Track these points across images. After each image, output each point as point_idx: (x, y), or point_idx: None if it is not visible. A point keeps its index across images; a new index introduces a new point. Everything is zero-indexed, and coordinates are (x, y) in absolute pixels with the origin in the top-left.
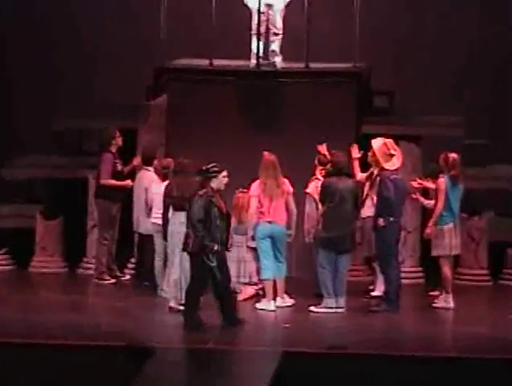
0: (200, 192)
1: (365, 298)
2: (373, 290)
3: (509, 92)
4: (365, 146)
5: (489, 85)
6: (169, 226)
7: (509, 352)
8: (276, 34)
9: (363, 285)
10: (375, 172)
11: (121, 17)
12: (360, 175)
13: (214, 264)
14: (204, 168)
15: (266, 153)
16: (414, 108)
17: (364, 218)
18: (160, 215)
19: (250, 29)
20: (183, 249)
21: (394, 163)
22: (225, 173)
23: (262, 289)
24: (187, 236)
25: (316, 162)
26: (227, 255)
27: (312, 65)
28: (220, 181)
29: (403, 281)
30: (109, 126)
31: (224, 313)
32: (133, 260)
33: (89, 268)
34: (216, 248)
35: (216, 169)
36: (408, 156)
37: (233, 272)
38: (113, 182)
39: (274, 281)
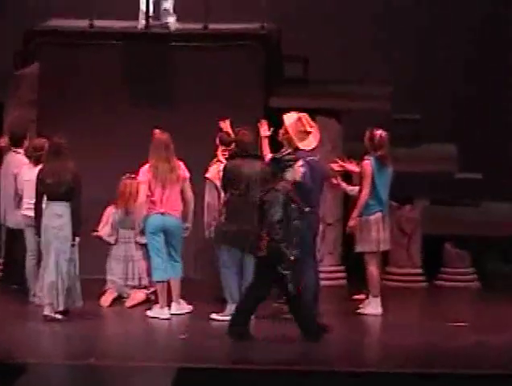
0: (278, 186)
1: (277, 303)
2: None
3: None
4: (276, 123)
5: (417, 48)
6: (43, 219)
7: (445, 365)
8: None
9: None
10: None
11: None
12: (270, 157)
13: (288, 272)
14: (277, 156)
15: (157, 131)
16: (334, 77)
17: None
18: (32, 206)
19: None
20: (254, 253)
21: (310, 142)
22: (300, 162)
23: (154, 293)
24: (260, 238)
25: (218, 141)
26: (113, 252)
27: (212, 26)
28: (296, 171)
29: (322, 282)
30: None
31: (301, 326)
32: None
33: None
34: (293, 257)
35: (291, 157)
36: (327, 133)
37: (118, 273)
38: None
39: (168, 284)
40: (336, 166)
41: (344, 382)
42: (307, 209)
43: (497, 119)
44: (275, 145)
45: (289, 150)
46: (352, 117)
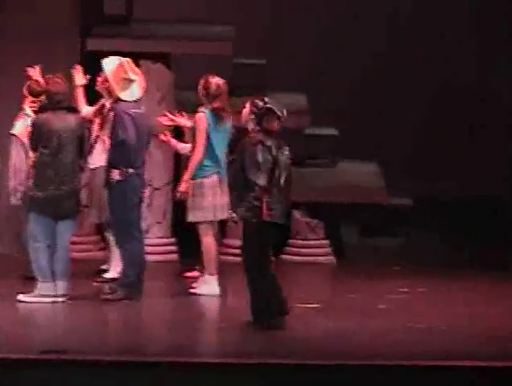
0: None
1: (96, 282)
2: (106, 271)
3: None
4: (94, 69)
5: None
6: None
7: (290, 356)
8: None
9: (93, 263)
10: (107, 104)
11: None
12: (86, 109)
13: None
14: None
15: None
16: (163, 15)
17: (93, 169)
18: None
19: None
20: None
21: (133, 92)
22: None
23: None
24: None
25: (26, 91)
26: None
27: None
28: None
29: (149, 257)
30: None
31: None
32: None
33: None
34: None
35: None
36: (154, 82)
37: None
38: None
39: None
40: (165, 120)
41: (171, 373)
42: (130, 171)
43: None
44: (93, 95)
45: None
46: (184, 62)
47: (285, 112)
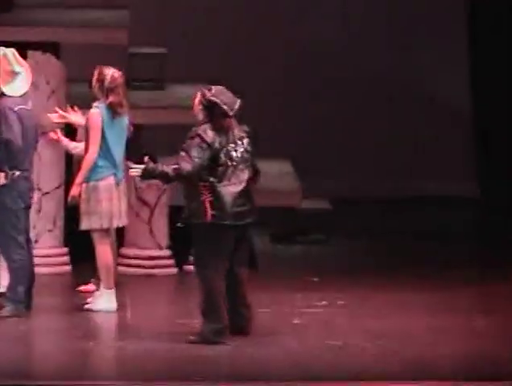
0: None
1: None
2: None
3: None
4: None
5: None
6: None
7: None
8: None
9: None
10: None
11: None
12: None
13: None
14: None
15: None
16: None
17: None
18: None
19: None
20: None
21: (19, 86)
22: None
23: None
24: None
25: None
26: None
27: None
28: None
29: (39, 268)
30: None
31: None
32: None
33: None
34: None
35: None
36: (43, 74)
37: None
38: None
39: None
40: (55, 117)
41: None
42: (16, 173)
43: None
44: None
45: None
46: (76, 53)
47: (236, 104)
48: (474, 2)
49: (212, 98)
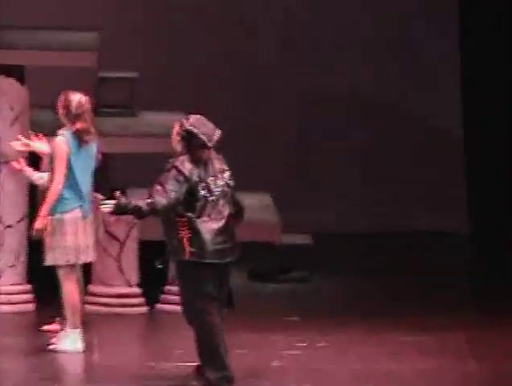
0: None
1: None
2: None
3: None
4: None
5: None
6: None
7: None
8: None
9: None
10: None
11: None
12: None
13: None
14: None
15: None
16: (15, 21)
17: None
18: None
19: None
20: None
21: None
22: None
23: None
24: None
25: None
26: None
27: None
28: None
29: (6, 307)
30: None
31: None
32: None
33: None
34: None
35: None
36: (6, 99)
37: None
38: None
39: None
40: (18, 145)
41: None
42: None
43: None
44: None
45: None
46: (42, 77)
47: (216, 135)
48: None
49: (190, 128)
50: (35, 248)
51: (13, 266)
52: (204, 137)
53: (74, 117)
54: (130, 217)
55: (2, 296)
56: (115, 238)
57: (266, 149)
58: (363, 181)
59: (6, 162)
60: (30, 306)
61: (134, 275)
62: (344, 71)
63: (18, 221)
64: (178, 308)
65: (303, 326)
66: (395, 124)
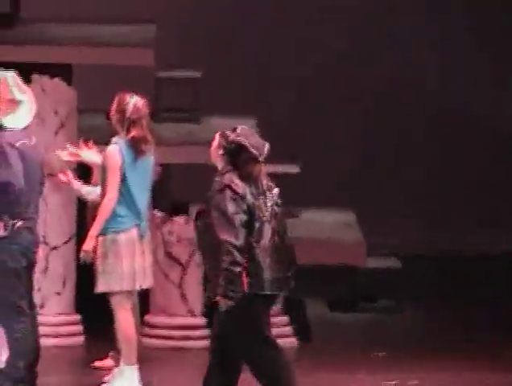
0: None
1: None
2: None
3: None
4: None
5: None
6: None
7: None
8: None
9: None
10: None
11: None
12: None
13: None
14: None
15: None
16: (59, 13)
17: None
18: None
19: None
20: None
21: (21, 117)
22: None
23: None
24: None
25: None
26: None
27: None
28: None
29: (45, 340)
30: None
31: None
32: None
33: None
34: None
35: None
36: (51, 102)
37: None
38: None
39: None
40: (65, 155)
41: None
42: (17, 224)
43: None
44: None
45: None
46: (91, 76)
47: (266, 148)
48: None
49: (238, 140)
50: (84, 272)
51: (59, 293)
52: (254, 151)
53: (129, 124)
54: (192, 236)
55: (47, 328)
56: (176, 261)
57: (343, 161)
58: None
59: (51, 175)
60: (80, 339)
61: (198, 303)
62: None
63: (65, 242)
64: None
65: (392, 363)
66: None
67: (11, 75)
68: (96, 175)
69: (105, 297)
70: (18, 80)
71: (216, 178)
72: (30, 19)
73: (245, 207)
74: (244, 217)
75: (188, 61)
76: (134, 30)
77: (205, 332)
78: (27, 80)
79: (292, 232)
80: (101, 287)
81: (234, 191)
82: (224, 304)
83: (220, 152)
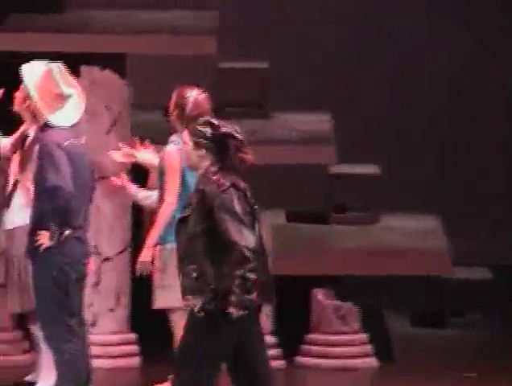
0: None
1: None
2: (34, 384)
3: None
4: (8, 81)
5: None
6: None
7: None
8: None
9: (14, 371)
10: (32, 132)
11: None
12: (2, 142)
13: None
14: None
15: None
16: None
17: (10, 230)
18: None
19: None
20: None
21: (69, 114)
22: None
23: None
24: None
25: None
26: None
27: None
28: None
29: (97, 361)
30: None
31: None
32: None
33: None
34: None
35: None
36: (102, 97)
37: None
38: None
39: None
40: (118, 156)
41: None
42: (66, 232)
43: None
44: (10, 120)
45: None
46: (148, 68)
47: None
48: None
49: (223, 129)
50: (140, 286)
51: (112, 310)
52: (240, 138)
53: (190, 120)
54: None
55: (99, 348)
56: None
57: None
58: None
59: (104, 178)
60: (135, 361)
61: (267, 321)
62: None
63: (119, 253)
64: (322, 362)
65: (481, 384)
66: None
67: (58, 67)
68: (153, 178)
69: (163, 314)
70: (66, 72)
71: (210, 180)
72: (79, 4)
73: (248, 207)
74: (250, 217)
75: (253, 51)
76: (195, 17)
77: (275, 352)
78: (75, 72)
79: (370, 238)
80: (158, 303)
81: (239, 189)
82: (236, 313)
83: (201, 151)
